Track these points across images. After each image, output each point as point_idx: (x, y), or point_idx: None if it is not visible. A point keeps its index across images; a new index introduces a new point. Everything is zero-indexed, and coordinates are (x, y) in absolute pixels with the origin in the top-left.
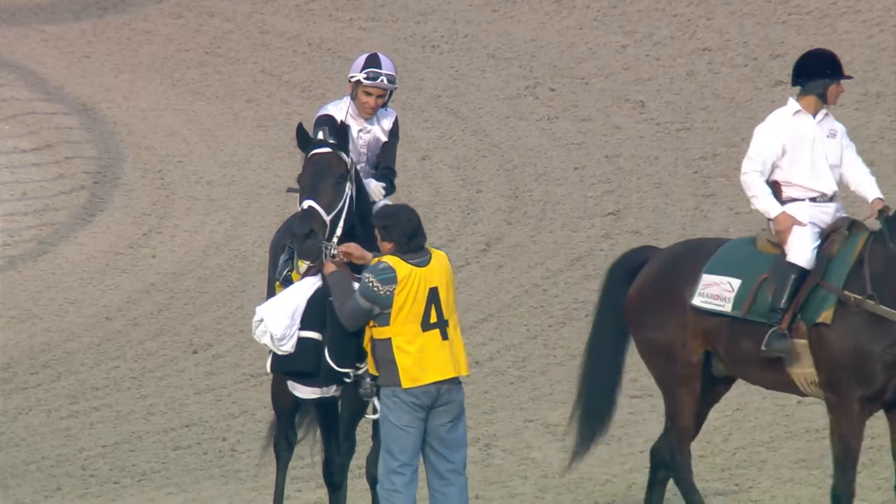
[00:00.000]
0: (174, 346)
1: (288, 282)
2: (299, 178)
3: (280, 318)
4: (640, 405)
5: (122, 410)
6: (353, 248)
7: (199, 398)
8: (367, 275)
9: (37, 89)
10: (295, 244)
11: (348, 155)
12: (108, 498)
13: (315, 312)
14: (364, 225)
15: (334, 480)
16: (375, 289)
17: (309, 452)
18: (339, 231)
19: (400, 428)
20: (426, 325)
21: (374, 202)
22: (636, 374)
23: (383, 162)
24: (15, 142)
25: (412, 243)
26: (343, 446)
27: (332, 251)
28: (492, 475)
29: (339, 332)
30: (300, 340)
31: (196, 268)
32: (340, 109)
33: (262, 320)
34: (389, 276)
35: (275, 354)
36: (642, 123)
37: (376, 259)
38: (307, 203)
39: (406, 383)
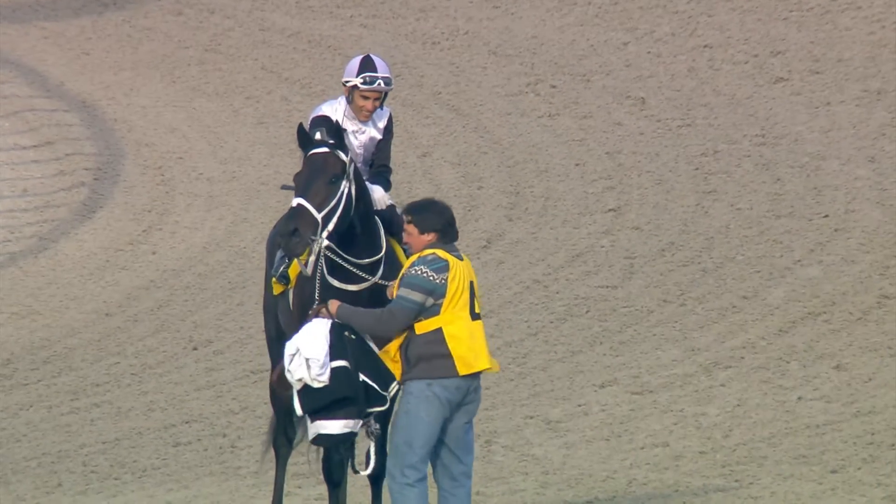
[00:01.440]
0: (174, 343)
1: (284, 278)
2: (295, 176)
3: (317, 345)
4: (641, 401)
5: (122, 407)
6: (323, 309)
7: (199, 395)
8: (418, 267)
9: (37, 86)
10: (280, 242)
11: (347, 154)
12: (109, 494)
13: (337, 343)
14: (365, 224)
15: (334, 477)
16: (431, 278)
17: (308, 449)
18: (330, 227)
19: (427, 422)
20: (473, 315)
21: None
22: (636, 370)
23: (378, 159)
24: (15, 138)
25: (453, 231)
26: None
27: (323, 245)
28: (492, 471)
29: (368, 357)
30: (333, 370)
31: (196, 264)
32: (335, 110)
33: (297, 351)
34: (442, 265)
35: (304, 394)
36: (643, 120)
37: (417, 255)
38: (296, 201)
39: (463, 370)
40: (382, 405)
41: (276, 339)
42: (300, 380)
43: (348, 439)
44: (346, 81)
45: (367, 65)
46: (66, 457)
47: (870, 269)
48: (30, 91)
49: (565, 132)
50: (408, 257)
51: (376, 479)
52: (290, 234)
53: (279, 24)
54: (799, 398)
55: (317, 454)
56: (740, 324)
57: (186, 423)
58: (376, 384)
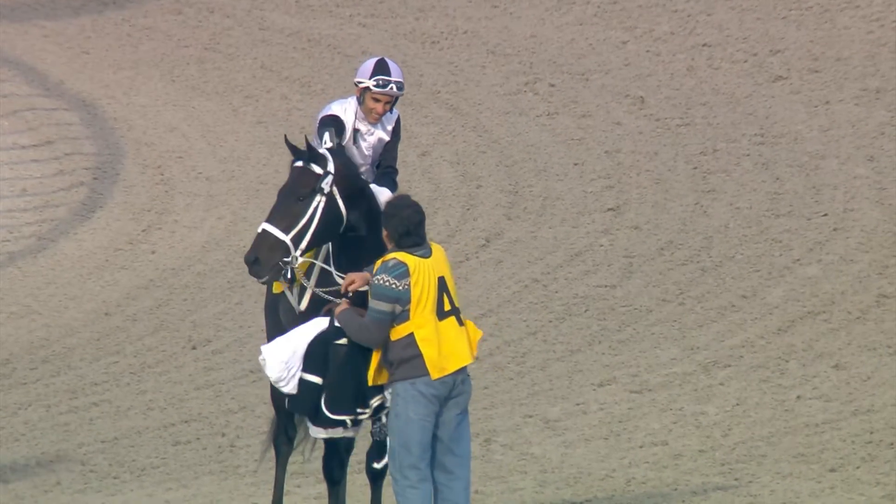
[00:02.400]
0: (173, 342)
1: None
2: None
3: (277, 363)
4: (640, 400)
5: (121, 406)
6: (356, 277)
7: (198, 394)
8: (378, 277)
9: (36, 85)
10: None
11: (324, 165)
12: (108, 493)
13: (317, 355)
14: (372, 229)
15: (333, 476)
16: (394, 286)
17: (309, 448)
18: (303, 245)
19: (417, 421)
20: (442, 314)
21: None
22: (636, 369)
23: (385, 160)
24: (14, 138)
25: (415, 236)
26: (343, 441)
27: (294, 265)
28: (491, 470)
29: (338, 377)
30: (301, 382)
31: (195, 263)
32: (345, 110)
33: (264, 360)
34: (402, 271)
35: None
36: (642, 119)
37: (381, 260)
38: (261, 227)
39: (435, 374)
40: (338, 426)
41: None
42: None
43: (346, 437)
44: (359, 82)
45: (381, 68)
46: (64, 456)
47: (869, 269)
48: (29, 90)
49: (564, 131)
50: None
51: (375, 478)
52: (252, 263)
53: (278, 23)
54: (798, 397)
55: (316, 451)
56: (739, 323)
57: (185, 422)
58: (331, 410)
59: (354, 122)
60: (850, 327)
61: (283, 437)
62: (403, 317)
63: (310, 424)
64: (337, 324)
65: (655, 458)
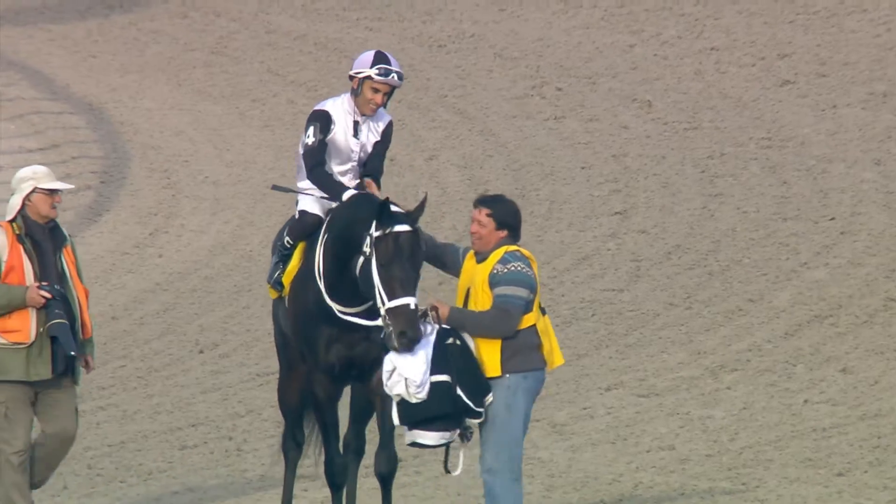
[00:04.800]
0: (180, 346)
1: (279, 285)
2: (382, 254)
3: (416, 364)
4: (647, 404)
5: (128, 409)
6: (441, 305)
7: (205, 397)
8: (514, 265)
9: (43, 89)
10: (400, 342)
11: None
12: (115, 497)
13: (439, 355)
14: None
15: (336, 481)
16: (530, 274)
17: (315, 452)
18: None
19: (525, 415)
20: (542, 311)
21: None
22: (642, 373)
23: (371, 165)
24: (21, 141)
25: (517, 234)
26: (353, 445)
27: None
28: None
29: (466, 370)
30: (432, 385)
31: (202, 267)
32: (338, 106)
33: (394, 369)
34: (527, 260)
35: (402, 407)
36: (649, 123)
37: (501, 252)
38: (413, 302)
39: (550, 366)
40: (478, 418)
41: (282, 343)
42: (398, 395)
43: (443, 447)
44: (358, 73)
45: (381, 58)
46: (71, 460)
47: (876, 272)
48: (35, 94)
49: (571, 135)
50: (470, 249)
51: (385, 481)
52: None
53: (285, 26)
54: (805, 401)
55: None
56: (746, 327)
57: (192, 426)
58: (472, 400)
59: (353, 114)
60: (858, 331)
61: (292, 443)
62: (528, 307)
63: (427, 433)
64: (444, 325)
65: (662, 462)
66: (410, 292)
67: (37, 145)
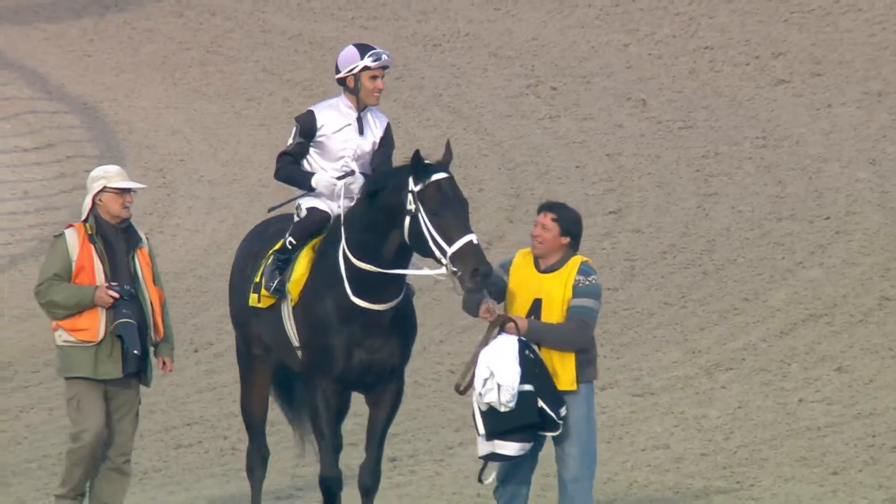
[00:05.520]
0: (175, 345)
1: (278, 292)
2: (430, 204)
3: (510, 370)
4: (642, 403)
5: None
6: (518, 319)
7: (199, 397)
8: (593, 277)
9: (38, 88)
10: (474, 280)
11: None
12: None
13: (524, 365)
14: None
15: (332, 491)
16: (600, 285)
17: (306, 451)
18: None
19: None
20: None
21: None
22: (637, 372)
23: (382, 169)
24: (16, 140)
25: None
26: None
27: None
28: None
29: (545, 382)
30: (520, 395)
31: (197, 267)
32: (333, 109)
33: (490, 375)
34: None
35: (489, 416)
36: (644, 122)
37: (575, 262)
38: (474, 238)
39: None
40: (555, 431)
41: (247, 354)
42: (488, 403)
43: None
44: (351, 69)
45: (365, 47)
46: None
47: (871, 271)
48: (31, 93)
49: (566, 134)
50: (509, 262)
51: (368, 494)
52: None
53: (280, 25)
54: (800, 400)
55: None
56: (741, 326)
57: (187, 425)
58: (553, 411)
59: (355, 111)
60: (853, 330)
61: (258, 459)
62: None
63: (508, 444)
64: (522, 337)
65: (657, 461)
66: (469, 230)
67: (32, 144)
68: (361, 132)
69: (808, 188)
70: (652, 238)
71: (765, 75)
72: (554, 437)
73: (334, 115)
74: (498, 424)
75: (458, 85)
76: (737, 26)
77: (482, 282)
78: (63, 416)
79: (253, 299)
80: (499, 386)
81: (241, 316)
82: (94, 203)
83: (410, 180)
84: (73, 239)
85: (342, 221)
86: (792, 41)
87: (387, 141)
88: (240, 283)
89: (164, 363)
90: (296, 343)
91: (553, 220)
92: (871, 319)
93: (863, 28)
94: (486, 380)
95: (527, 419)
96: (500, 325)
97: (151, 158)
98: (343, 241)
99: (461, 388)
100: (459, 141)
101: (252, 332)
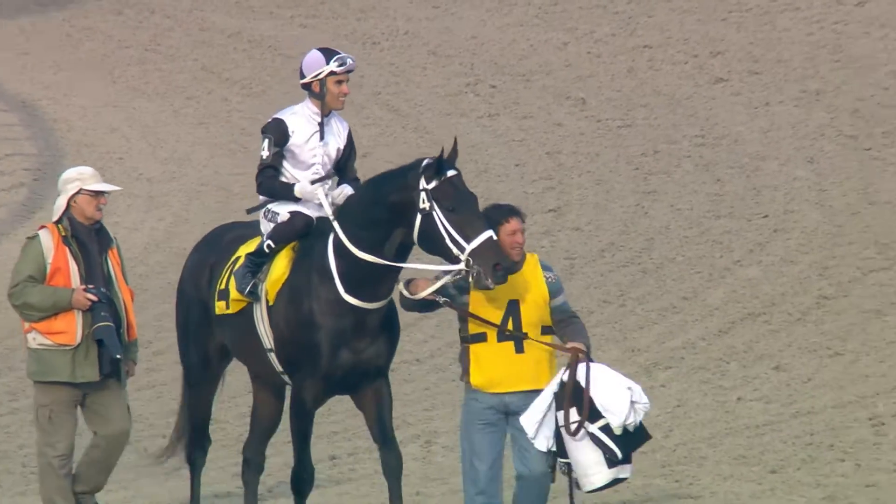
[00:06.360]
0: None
1: (253, 294)
2: (445, 201)
3: (624, 392)
4: None
5: None
6: (578, 345)
7: (139, 395)
8: (554, 273)
9: None
10: (496, 276)
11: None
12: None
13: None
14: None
15: (304, 489)
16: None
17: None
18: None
19: None
20: None
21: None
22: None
23: (349, 175)
24: None
25: None
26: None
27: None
28: (432, 472)
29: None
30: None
31: (136, 265)
32: (297, 115)
33: (630, 390)
34: None
35: (622, 440)
36: (583, 120)
37: (534, 258)
38: (493, 234)
39: None
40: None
41: (201, 363)
42: (632, 422)
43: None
44: (317, 74)
45: (330, 52)
46: (5, 457)
47: (809, 270)
48: None
49: (505, 132)
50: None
51: (397, 478)
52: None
53: (219, 24)
54: (738, 399)
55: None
56: (680, 324)
57: None
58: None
59: (317, 118)
60: (791, 329)
61: (200, 451)
62: None
63: (625, 469)
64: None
65: None
66: (487, 226)
67: None
68: (322, 137)
69: (747, 186)
70: (591, 236)
71: (703, 74)
72: (513, 434)
73: (302, 123)
74: (631, 444)
75: (397, 83)
76: (675, 25)
77: (503, 277)
78: (2, 414)
79: (220, 307)
80: (632, 403)
81: (197, 326)
82: (68, 205)
83: (423, 179)
84: (48, 240)
85: (335, 218)
86: (730, 40)
87: (350, 147)
88: (194, 293)
89: (127, 370)
90: (268, 346)
91: (521, 223)
92: (809, 318)
93: (800, 27)
94: (630, 390)
95: (647, 437)
96: (576, 357)
97: (90, 156)
98: (332, 238)
99: (573, 430)
100: (398, 139)
101: (212, 340)
